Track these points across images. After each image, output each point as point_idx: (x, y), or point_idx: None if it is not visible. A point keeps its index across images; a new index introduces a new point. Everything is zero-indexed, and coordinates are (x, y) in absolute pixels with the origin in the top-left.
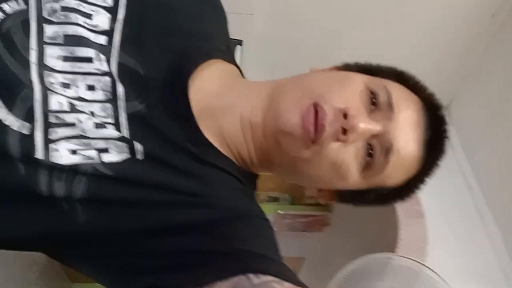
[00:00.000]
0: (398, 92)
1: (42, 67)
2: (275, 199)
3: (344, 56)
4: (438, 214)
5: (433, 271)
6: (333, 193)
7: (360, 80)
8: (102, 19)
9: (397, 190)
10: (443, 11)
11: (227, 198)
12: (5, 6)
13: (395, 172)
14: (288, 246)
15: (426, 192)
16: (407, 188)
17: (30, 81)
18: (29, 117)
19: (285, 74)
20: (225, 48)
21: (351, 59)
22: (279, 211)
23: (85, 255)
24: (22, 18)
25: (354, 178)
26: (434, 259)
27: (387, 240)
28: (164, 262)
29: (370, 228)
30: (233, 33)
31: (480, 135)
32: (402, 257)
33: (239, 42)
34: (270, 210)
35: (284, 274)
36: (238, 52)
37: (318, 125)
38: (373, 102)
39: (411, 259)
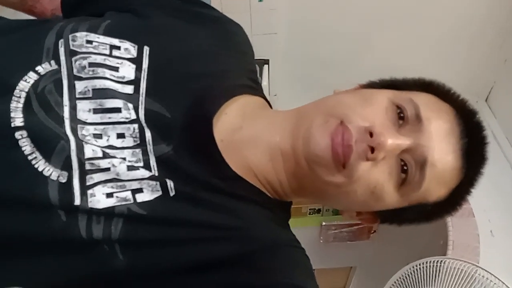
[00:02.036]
0: (426, 103)
1: (75, 121)
2: (317, 211)
3: (368, 65)
4: (489, 210)
5: (488, 271)
6: (373, 215)
7: (384, 96)
8: (127, 70)
9: (441, 204)
10: (461, 11)
11: (260, 229)
12: (39, 68)
13: (434, 186)
14: (337, 256)
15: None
16: (452, 201)
17: (66, 135)
18: (66, 166)
19: (313, 87)
20: (250, 82)
21: (375, 67)
22: (323, 223)
23: None
24: (54, 77)
25: (391, 198)
26: (489, 259)
27: (437, 242)
28: None
29: (418, 231)
30: (260, 53)
31: None
32: (454, 259)
33: (266, 61)
34: (314, 223)
35: None
36: (265, 71)
37: (344, 146)
38: (401, 116)
39: (463, 261)
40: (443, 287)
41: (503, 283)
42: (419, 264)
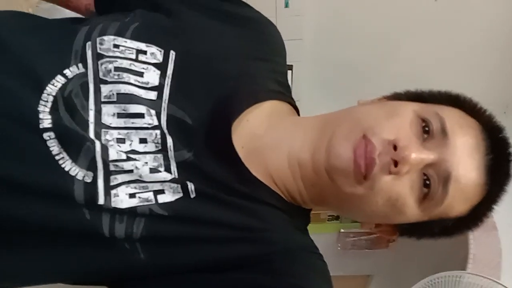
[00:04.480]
0: (452, 118)
1: (100, 125)
2: (336, 218)
3: (394, 72)
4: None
5: None
6: (393, 228)
7: (410, 109)
8: (152, 76)
9: (462, 220)
10: (494, 17)
11: (277, 232)
12: (67, 72)
13: (456, 202)
14: (355, 264)
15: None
16: (473, 217)
17: (90, 138)
18: (92, 167)
19: (337, 94)
20: (277, 86)
21: (401, 75)
22: (341, 230)
23: None
24: (81, 81)
25: (412, 211)
26: (511, 274)
27: (458, 255)
28: None
29: (438, 242)
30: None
31: None
32: (474, 274)
33: (290, 67)
34: (332, 229)
35: None
36: (289, 76)
37: (367, 159)
38: (426, 130)
39: (483, 276)
40: None
41: None
42: (438, 278)
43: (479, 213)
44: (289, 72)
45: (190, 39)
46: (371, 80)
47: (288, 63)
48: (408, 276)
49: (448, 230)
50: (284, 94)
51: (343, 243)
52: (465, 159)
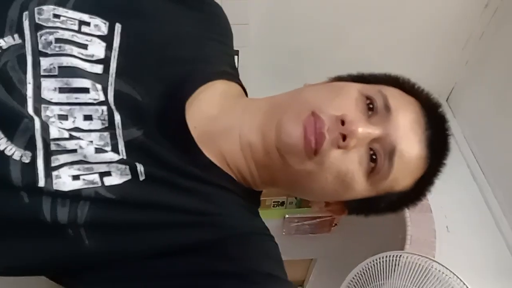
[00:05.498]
0: (394, 95)
1: (39, 101)
2: (281, 204)
3: (339, 58)
4: (445, 207)
5: (443, 266)
6: (342, 206)
7: (354, 88)
8: (97, 48)
9: (406, 194)
10: (436, 5)
11: (231, 216)
12: (1, 42)
13: (401, 175)
14: (298, 248)
15: (432, 186)
16: (416, 191)
17: (29, 114)
18: (30, 146)
19: (284, 80)
20: (227, 68)
21: (347, 61)
22: (286, 215)
23: (93, 281)
24: (18, 52)
25: (360, 186)
26: (444, 253)
27: (396, 237)
28: (173, 285)
29: (378, 225)
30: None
31: (482, 125)
32: (412, 254)
33: (236, 52)
34: (277, 215)
35: None
36: (236, 62)
37: (317, 134)
38: (370, 107)
39: (420, 255)
40: (401, 281)
41: (457, 276)
42: (378, 258)
43: (421, 186)
44: (235, 57)
45: (140, 16)
46: (318, 66)
47: (234, 48)
48: (350, 259)
49: (393, 205)
50: (234, 76)
51: (288, 228)
52: (407, 134)
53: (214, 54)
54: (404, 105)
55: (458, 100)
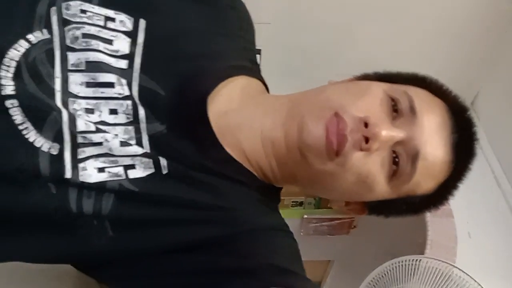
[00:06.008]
0: (420, 97)
1: (66, 94)
2: (300, 204)
3: (358, 56)
4: (468, 212)
5: (463, 271)
6: (362, 206)
7: (379, 88)
8: (122, 44)
9: (428, 197)
10: (457, 5)
11: (250, 212)
12: (30, 37)
13: (424, 179)
14: (316, 249)
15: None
16: (439, 195)
17: (57, 107)
18: (58, 138)
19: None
20: (247, 63)
21: (359, 60)
22: (304, 216)
23: (112, 275)
24: (46, 47)
25: (381, 189)
26: (465, 259)
27: (416, 241)
28: (191, 281)
29: (398, 229)
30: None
31: (507, 130)
32: (431, 258)
33: (258, 52)
34: (295, 215)
35: None
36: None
37: (339, 136)
38: (395, 109)
39: (440, 260)
40: (420, 285)
41: (478, 283)
42: (398, 262)
43: (444, 190)
44: (258, 56)
45: (160, 12)
46: (333, 65)
47: (257, 48)
48: (368, 261)
49: (415, 207)
50: (255, 71)
51: (306, 229)
52: (432, 137)
53: (230, 49)
54: (430, 108)
55: (482, 105)
